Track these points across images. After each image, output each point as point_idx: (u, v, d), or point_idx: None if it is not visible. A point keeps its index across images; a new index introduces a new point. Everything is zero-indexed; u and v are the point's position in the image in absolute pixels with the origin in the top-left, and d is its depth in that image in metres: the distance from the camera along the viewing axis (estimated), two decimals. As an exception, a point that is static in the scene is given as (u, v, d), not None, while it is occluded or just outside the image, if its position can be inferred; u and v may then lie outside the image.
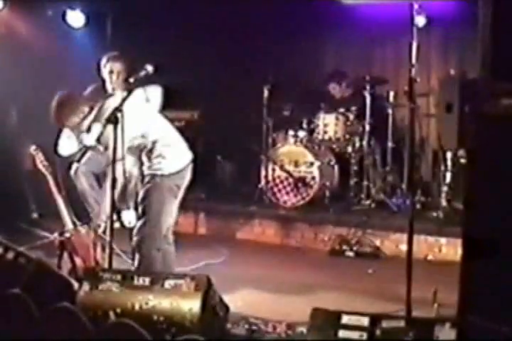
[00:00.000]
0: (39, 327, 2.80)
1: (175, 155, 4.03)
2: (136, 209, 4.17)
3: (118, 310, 3.01)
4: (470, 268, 2.32)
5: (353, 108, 6.50)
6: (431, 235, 5.35)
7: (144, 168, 4.05)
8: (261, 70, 6.95)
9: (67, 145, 4.51)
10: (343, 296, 4.33)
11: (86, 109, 3.90)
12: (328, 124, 6.54)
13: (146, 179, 3.99)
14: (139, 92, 4.06)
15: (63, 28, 6.59)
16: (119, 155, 3.55)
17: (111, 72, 4.80)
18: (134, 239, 3.91)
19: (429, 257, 5.33)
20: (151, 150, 4.00)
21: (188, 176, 4.09)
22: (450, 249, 5.25)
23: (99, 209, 4.12)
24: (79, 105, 3.90)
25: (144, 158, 4.04)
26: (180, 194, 4.06)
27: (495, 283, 2.24)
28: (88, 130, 3.95)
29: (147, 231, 3.90)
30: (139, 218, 3.97)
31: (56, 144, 4.63)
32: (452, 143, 5.54)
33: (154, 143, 3.99)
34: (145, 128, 3.94)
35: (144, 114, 4.01)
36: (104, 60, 4.82)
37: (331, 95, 6.92)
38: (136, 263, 3.93)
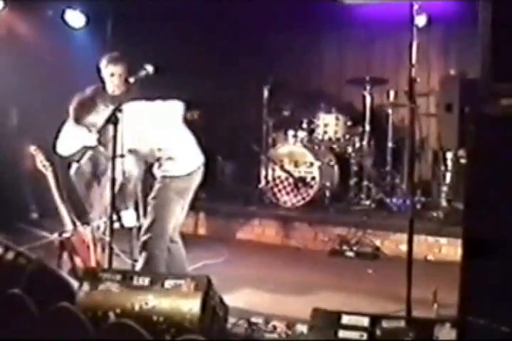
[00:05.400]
0: (39, 327, 2.80)
1: (186, 158, 4.03)
2: (136, 209, 4.17)
3: (118, 311, 3.01)
4: (470, 268, 2.32)
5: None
6: (431, 235, 5.34)
7: (155, 169, 4.06)
8: (261, 70, 6.95)
9: (66, 145, 4.50)
10: (343, 296, 4.32)
11: (102, 108, 3.87)
12: (328, 124, 6.54)
13: (157, 180, 4.01)
14: (159, 106, 4.04)
15: (63, 28, 6.58)
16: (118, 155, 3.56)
17: (112, 74, 4.79)
18: (142, 238, 3.91)
19: (429, 257, 5.33)
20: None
21: (198, 178, 4.11)
22: (450, 249, 5.25)
23: (99, 209, 4.11)
24: (97, 105, 3.88)
25: (155, 161, 4.05)
26: (189, 195, 4.08)
27: (495, 283, 2.24)
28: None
29: (155, 230, 3.90)
30: (146, 218, 3.96)
31: (55, 144, 4.62)
32: (452, 143, 5.55)
33: (167, 149, 3.99)
34: (164, 143, 3.96)
35: (164, 129, 4.00)
36: (104, 62, 4.80)
37: (330, 95, 6.93)
38: (141, 262, 3.92)
